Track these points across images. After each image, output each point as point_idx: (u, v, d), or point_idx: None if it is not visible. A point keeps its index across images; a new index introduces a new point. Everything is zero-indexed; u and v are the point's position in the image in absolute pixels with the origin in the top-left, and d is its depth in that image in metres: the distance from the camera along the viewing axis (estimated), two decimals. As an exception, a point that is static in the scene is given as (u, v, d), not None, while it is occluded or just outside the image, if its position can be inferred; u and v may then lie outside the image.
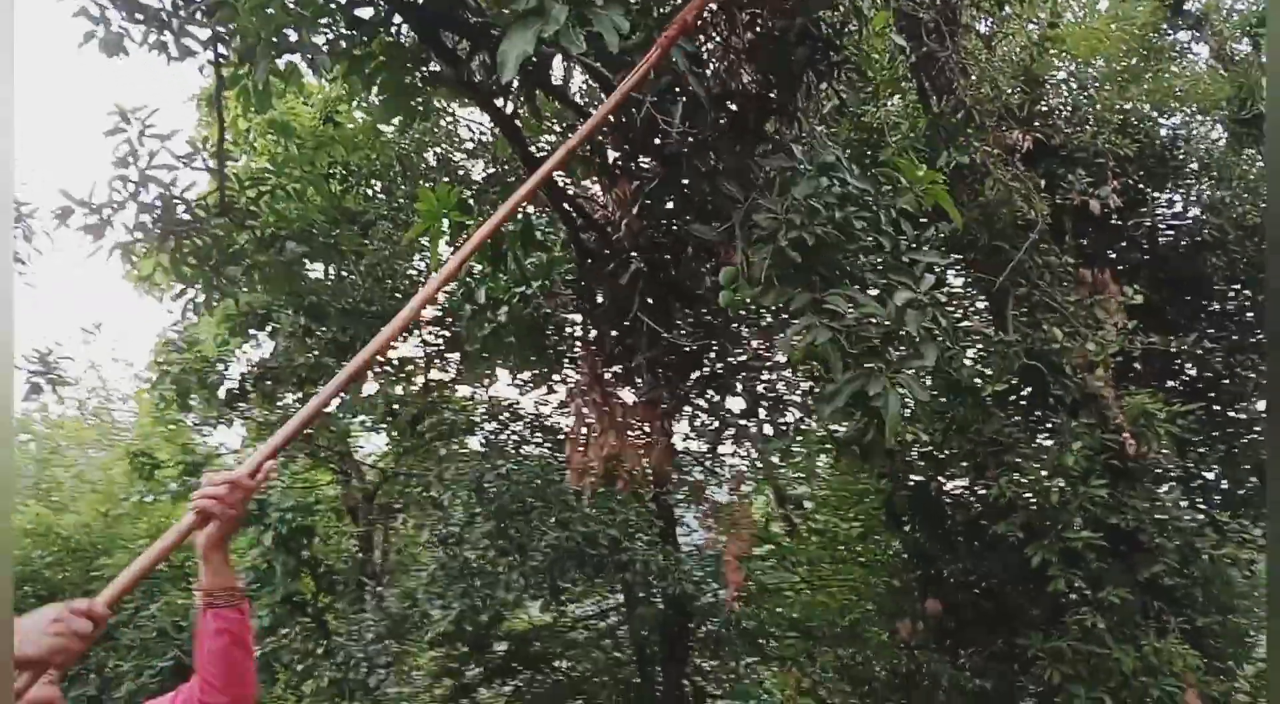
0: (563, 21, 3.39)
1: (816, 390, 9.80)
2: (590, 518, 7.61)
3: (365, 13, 4.51)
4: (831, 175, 3.78)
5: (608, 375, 5.54)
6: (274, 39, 4.45)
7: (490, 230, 2.73)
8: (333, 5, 4.40)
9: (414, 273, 9.91)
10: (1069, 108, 8.99)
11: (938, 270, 3.92)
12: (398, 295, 9.94)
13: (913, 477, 9.89)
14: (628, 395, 5.64)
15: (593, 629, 11.69)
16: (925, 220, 8.51)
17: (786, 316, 6.40)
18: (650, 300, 5.10)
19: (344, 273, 8.63)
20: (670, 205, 5.12)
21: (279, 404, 11.03)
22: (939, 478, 9.54)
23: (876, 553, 11.99)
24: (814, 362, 3.76)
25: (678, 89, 4.71)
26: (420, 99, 4.35)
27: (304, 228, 6.71)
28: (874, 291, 3.93)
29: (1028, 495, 7.46)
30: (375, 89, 4.52)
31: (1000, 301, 7.89)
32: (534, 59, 3.87)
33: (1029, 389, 8.13)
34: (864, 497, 12.09)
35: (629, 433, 5.39)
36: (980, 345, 7.95)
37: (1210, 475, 8.93)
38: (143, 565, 1.98)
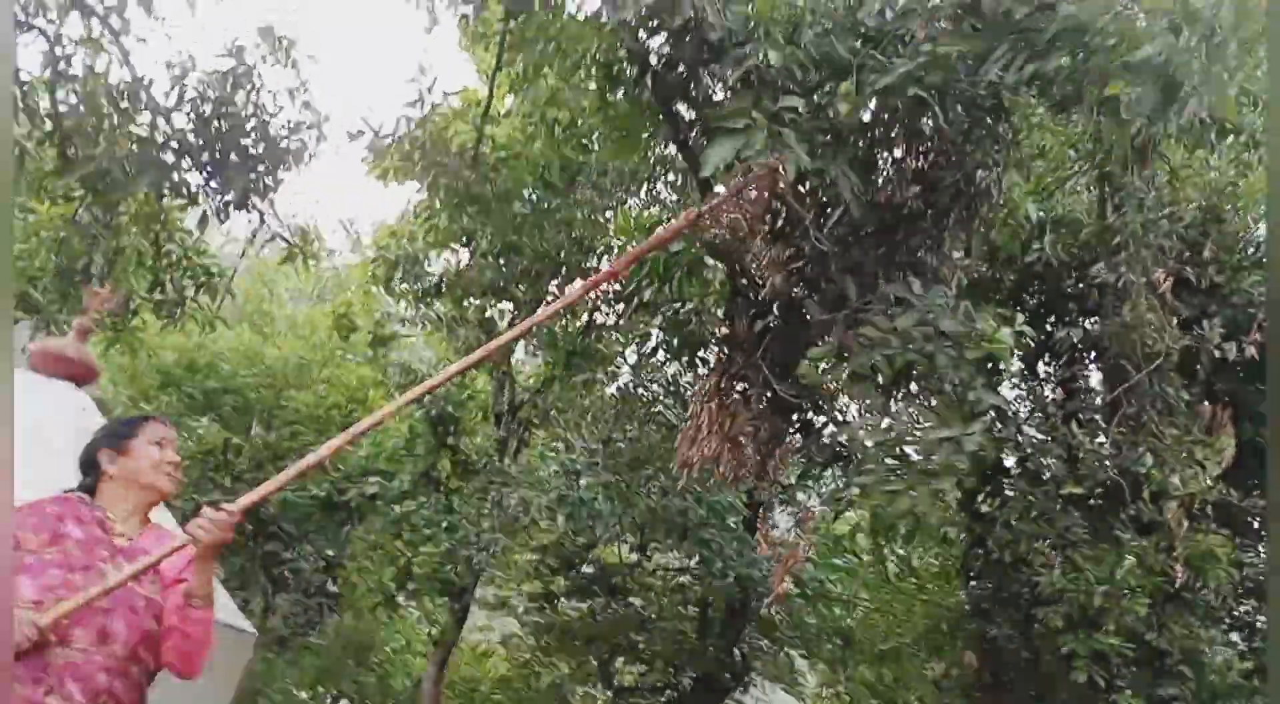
0: (758, 147, 4.47)
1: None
2: (688, 492, 8.80)
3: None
4: (929, 317, 4.73)
5: (731, 394, 6.65)
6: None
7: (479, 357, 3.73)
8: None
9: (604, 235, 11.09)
10: (1240, 252, 9.30)
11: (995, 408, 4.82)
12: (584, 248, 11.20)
13: (991, 543, 10.61)
14: (742, 412, 6.72)
15: (668, 581, 13.00)
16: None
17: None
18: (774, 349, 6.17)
19: (545, 225, 9.93)
20: (806, 278, 6.11)
21: (463, 304, 12.67)
22: (1011, 547, 10.22)
23: (942, 596, 12.74)
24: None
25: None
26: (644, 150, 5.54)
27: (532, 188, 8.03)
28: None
29: (1072, 592, 8.18)
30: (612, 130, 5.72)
31: (1108, 414, 8.53)
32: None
33: (1103, 499, 8.74)
34: (950, 543, 12.84)
35: (730, 442, 6.51)
36: (1073, 448, 8.58)
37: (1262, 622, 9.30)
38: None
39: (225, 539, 2.62)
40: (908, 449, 4.66)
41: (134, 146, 7.35)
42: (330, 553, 12.64)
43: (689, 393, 11.87)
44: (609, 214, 9.42)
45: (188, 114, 7.79)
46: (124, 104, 7.39)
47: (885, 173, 5.69)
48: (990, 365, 5.03)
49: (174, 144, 7.75)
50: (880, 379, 4.67)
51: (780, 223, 6.07)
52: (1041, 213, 8.80)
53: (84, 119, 7.23)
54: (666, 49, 5.23)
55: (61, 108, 7.28)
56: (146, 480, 2.91)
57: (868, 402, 4.78)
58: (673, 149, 6.19)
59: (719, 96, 5.28)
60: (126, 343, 11.74)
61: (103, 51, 6.98)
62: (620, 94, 5.48)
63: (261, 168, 7.88)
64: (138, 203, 7.92)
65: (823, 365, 4.85)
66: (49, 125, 7.31)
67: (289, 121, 7.88)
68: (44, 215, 8.53)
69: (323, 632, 13.46)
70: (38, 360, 5.79)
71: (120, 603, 2.65)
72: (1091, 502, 9.03)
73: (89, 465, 2.97)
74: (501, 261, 11.59)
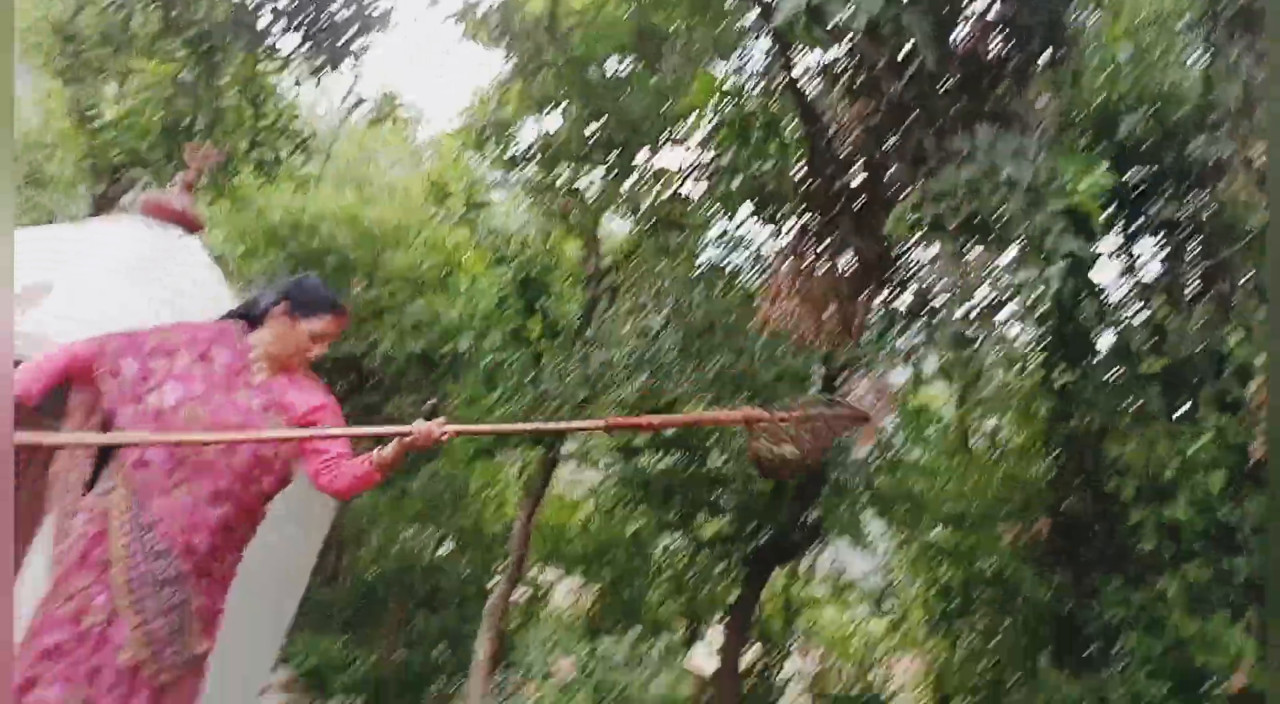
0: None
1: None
2: (758, 355, 8.98)
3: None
4: (996, 164, 4.71)
5: (810, 253, 6.74)
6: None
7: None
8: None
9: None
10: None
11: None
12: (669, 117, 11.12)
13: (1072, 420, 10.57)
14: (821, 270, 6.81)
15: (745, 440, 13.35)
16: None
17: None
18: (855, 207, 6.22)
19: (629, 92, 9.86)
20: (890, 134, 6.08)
21: (551, 172, 12.80)
22: (1088, 419, 10.18)
23: (1022, 470, 12.79)
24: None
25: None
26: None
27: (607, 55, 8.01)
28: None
29: (1144, 464, 8.19)
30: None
31: (1200, 292, 8.32)
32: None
33: (1188, 376, 8.61)
34: (1035, 417, 12.80)
35: (810, 301, 6.64)
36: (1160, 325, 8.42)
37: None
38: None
39: (427, 445, 2.97)
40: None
41: (231, 10, 7.60)
42: (429, 404, 13.36)
43: (771, 262, 11.93)
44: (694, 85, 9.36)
45: (281, -22, 7.96)
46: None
47: (969, 21, 5.56)
48: (1078, 216, 4.96)
49: (268, 8, 7.96)
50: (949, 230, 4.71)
51: (859, 78, 6.01)
52: (1144, 84, 8.39)
53: (185, -18, 7.49)
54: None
55: (164, -29, 7.55)
56: (283, 353, 3.20)
57: (941, 253, 4.85)
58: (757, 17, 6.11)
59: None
60: (233, 200, 12.34)
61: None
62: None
63: (350, 32, 8.05)
64: (236, 65, 8.22)
65: (909, 219, 4.86)
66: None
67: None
68: (151, 75, 8.92)
69: (421, 478, 14.36)
70: (148, 208, 6.31)
71: (247, 426, 3.03)
72: (1170, 379, 8.91)
73: (268, 303, 3.22)
74: (588, 129, 11.64)
